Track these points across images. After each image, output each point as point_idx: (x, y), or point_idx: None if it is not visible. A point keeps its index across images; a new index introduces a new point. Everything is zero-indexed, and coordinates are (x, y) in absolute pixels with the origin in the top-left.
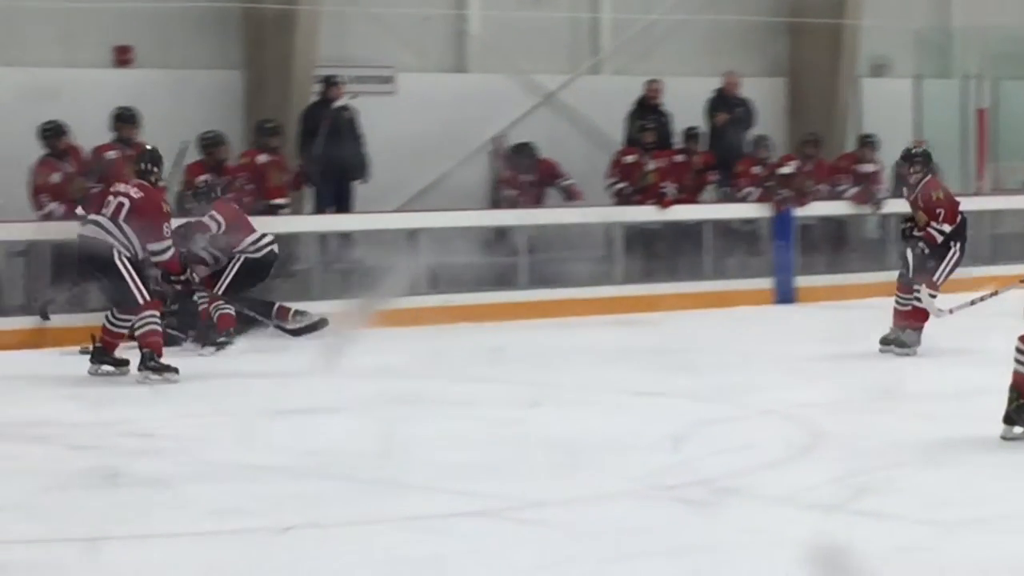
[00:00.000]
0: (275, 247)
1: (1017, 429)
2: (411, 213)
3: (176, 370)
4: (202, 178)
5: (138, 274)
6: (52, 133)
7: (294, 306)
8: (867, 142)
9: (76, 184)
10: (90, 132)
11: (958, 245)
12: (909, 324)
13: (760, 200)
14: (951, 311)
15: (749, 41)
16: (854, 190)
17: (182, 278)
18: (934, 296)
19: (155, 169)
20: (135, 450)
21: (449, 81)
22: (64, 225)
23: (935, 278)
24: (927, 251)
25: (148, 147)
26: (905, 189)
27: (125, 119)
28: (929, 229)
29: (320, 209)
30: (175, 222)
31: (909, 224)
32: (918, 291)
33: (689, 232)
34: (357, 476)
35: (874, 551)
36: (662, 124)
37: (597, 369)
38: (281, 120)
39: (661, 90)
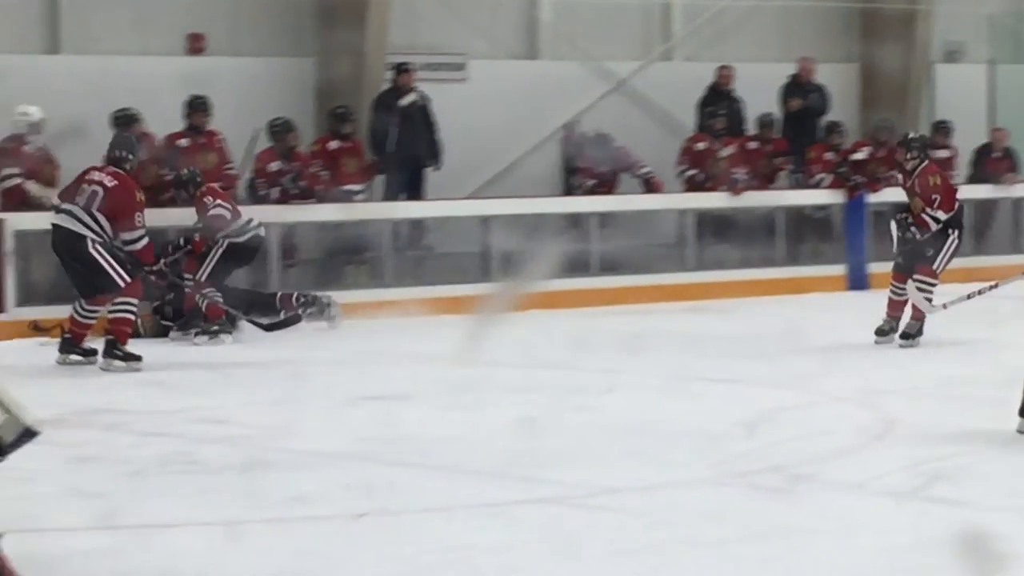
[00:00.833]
0: (261, 231)
1: None
2: (483, 200)
3: (140, 358)
4: (187, 168)
5: (115, 259)
6: (124, 121)
7: (322, 294)
8: (940, 128)
9: (148, 171)
10: (163, 120)
11: (956, 232)
12: (913, 315)
13: (833, 186)
14: (944, 306)
15: (821, 27)
16: None
17: (155, 268)
18: (931, 287)
19: (130, 156)
20: (206, 437)
21: (520, 68)
22: None
23: (935, 267)
24: (918, 236)
25: (123, 134)
26: (901, 176)
27: (196, 107)
28: (924, 215)
29: (392, 196)
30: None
31: (904, 215)
32: (922, 280)
33: (762, 219)
34: (429, 463)
35: (947, 538)
36: (734, 111)
37: (670, 356)
38: (353, 107)
39: (732, 76)
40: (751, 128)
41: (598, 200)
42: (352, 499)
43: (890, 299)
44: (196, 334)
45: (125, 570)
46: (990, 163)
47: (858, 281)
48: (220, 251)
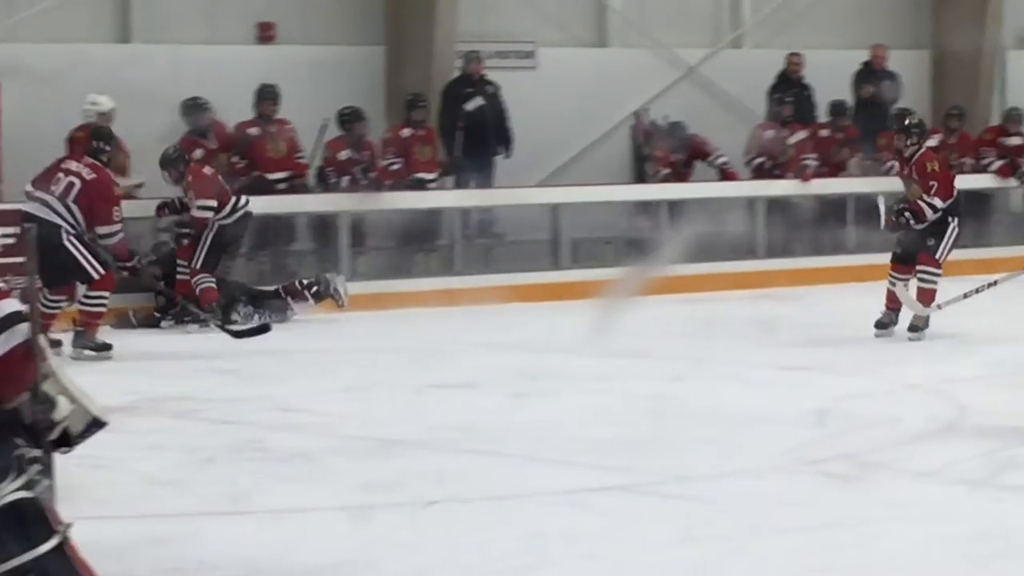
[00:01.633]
0: (249, 208)
1: None
2: (553, 188)
3: (110, 347)
4: (171, 145)
5: (88, 251)
6: (194, 110)
7: (328, 274)
8: (1012, 115)
9: (219, 160)
10: (233, 108)
11: (956, 220)
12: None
13: None
14: (939, 307)
15: (892, 13)
16: (999, 163)
17: (128, 264)
18: (935, 277)
19: (106, 148)
20: (277, 424)
21: (590, 56)
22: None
23: (937, 256)
24: (912, 223)
25: (100, 125)
26: (898, 163)
27: (266, 96)
28: (920, 202)
29: (462, 184)
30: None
31: (902, 205)
32: (926, 271)
33: (833, 206)
34: (499, 450)
35: (1020, 526)
36: (804, 97)
37: (740, 343)
38: (424, 95)
39: (802, 63)
40: (822, 115)
41: (668, 188)
42: (423, 487)
43: (889, 291)
44: (188, 321)
45: (197, 557)
46: None
47: None
48: (211, 236)
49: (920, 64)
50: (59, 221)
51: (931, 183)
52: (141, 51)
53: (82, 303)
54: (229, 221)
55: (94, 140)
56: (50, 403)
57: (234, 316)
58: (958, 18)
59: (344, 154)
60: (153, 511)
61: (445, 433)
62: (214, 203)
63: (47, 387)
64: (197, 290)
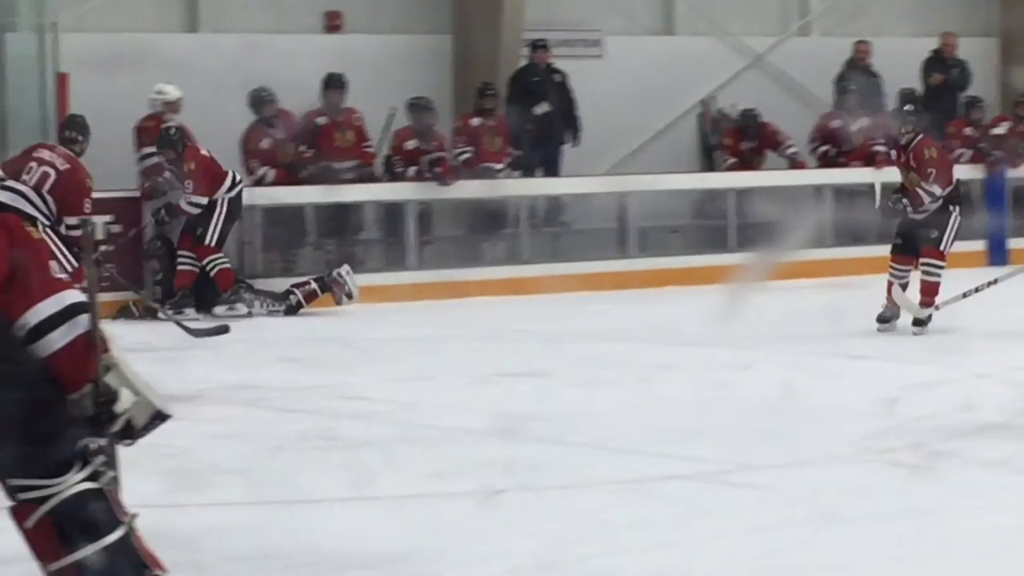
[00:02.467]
0: (243, 181)
1: None
2: (620, 176)
3: None
4: (169, 125)
5: (64, 244)
6: (260, 100)
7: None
8: None
9: (286, 149)
10: (301, 97)
11: (958, 210)
12: (923, 300)
13: (972, 162)
14: (937, 307)
15: (960, 0)
16: None
17: (93, 257)
18: (940, 269)
19: (79, 138)
20: (347, 413)
21: (657, 44)
22: (275, 190)
23: (941, 248)
24: (910, 211)
25: (73, 114)
26: (895, 151)
27: (333, 85)
28: (919, 189)
29: (529, 173)
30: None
31: (898, 195)
32: (930, 263)
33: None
34: (568, 439)
35: None
36: (871, 85)
37: (807, 332)
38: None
39: (870, 51)
40: (890, 103)
41: (734, 176)
42: (491, 475)
43: (889, 283)
44: (214, 304)
45: (265, 545)
46: None
47: (998, 256)
48: (223, 213)
49: (989, 52)
50: (35, 212)
51: (929, 170)
52: (209, 40)
53: None
54: (232, 195)
55: (67, 130)
56: (112, 395)
57: (239, 304)
58: None
59: (411, 144)
60: (220, 500)
61: (512, 422)
62: (204, 201)
63: (110, 379)
64: (213, 272)
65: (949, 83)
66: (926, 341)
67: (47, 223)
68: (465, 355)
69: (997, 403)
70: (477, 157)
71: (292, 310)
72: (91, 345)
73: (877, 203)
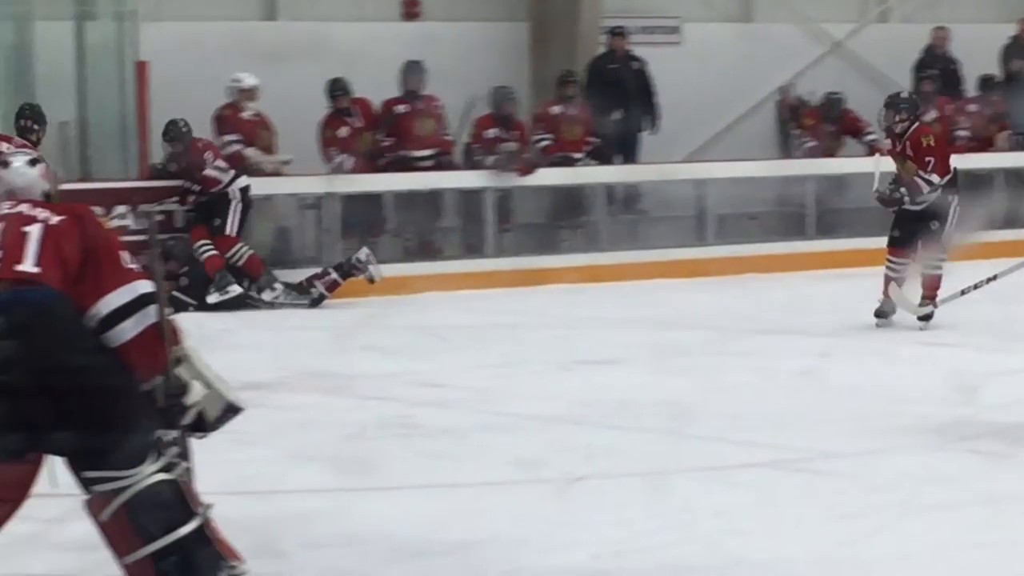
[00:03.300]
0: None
1: None
2: (698, 163)
3: None
4: (181, 119)
5: None
6: (335, 91)
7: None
8: None
9: (364, 138)
10: (379, 86)
11: (957, 199)
12: (925, 294)
13: None
14: (936, 305)
15: None
16: None
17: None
18: (941, 262)
19: (36, 127)
20: (426, 401)
21: (735, 31)
22: (354, 178)
23: (943, 240)
24: (906, 200)
25: (35, 105)
26: (890, 141)
27: (413, 72)
28: (916, 178)
29: (607, 160)
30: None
31: (893, 186)
32: (931, 256)
33: (981, 180)
34: (646, 427)
35: None
36: (949, 72)
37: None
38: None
39: (948, 38)
40: (970, 90)
41: (813, 163)
42: (570, 462)
43: (886, 277)
44: (258, 292)
45: (343, 532)
46: None
47: None
48: (241, 203)
49: None
50: None
51: (927, 158)
52: (287, 28)
53: None
54: (247, 184)
55: (23, 119)
56: (183, 387)
57: (266, 292)
58: None
59: (491, 132)
60: (299, 486)
61: (591, 409)
62: (231, 171)
63: (181, 371)
64: (241, 262)
65: None
66: (1007, 328)
67: None
68: (543, 342)
69: None
70: (556, 145)
71: (316, 302)
72: (161, 336)
73: (875, 187)
